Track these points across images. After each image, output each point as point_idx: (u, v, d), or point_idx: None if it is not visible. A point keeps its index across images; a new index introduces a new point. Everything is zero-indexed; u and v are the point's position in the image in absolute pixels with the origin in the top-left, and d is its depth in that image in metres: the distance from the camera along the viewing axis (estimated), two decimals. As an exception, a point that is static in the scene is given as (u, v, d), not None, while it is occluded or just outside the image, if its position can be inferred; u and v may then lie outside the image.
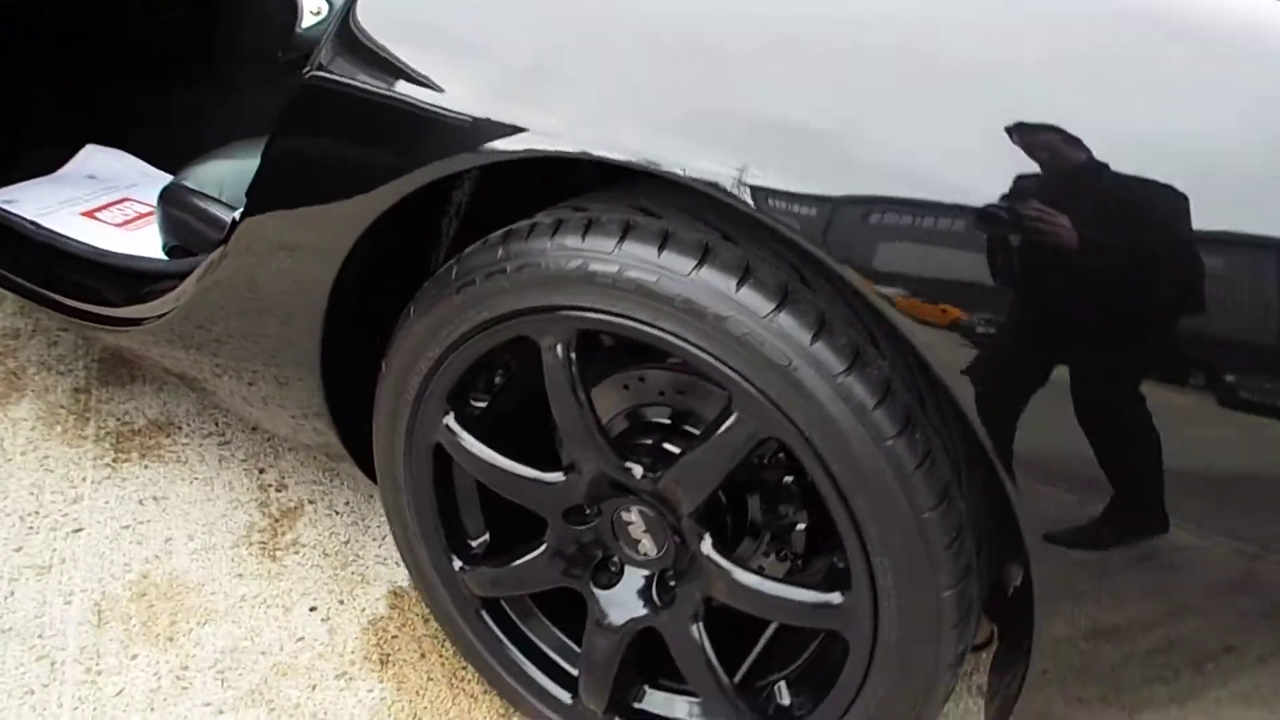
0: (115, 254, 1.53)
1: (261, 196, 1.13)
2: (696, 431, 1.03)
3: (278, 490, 1.60)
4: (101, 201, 2.02)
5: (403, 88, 0.95)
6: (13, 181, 2.06)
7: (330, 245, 1.05)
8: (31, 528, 1.49)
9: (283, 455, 1.67)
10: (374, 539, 1.52)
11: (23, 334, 1.95)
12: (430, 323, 1.03)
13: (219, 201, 1.55)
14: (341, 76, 1.00)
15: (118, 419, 1.73)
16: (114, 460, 1.63)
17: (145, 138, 2.20)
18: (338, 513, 1.57)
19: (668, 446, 1.03)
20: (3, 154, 2.10)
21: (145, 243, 1.87)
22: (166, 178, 2.16)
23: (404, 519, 1.20)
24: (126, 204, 2.02)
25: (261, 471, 1.64)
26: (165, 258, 1.66)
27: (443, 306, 1.01)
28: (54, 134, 2.17)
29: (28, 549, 1.45)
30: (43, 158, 2.15)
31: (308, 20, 2.08)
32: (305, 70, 1.04)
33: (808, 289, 0.87)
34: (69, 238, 1.60)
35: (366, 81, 0.97)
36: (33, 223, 1.65)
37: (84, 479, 1.59)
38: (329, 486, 1.61)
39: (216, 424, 1.74)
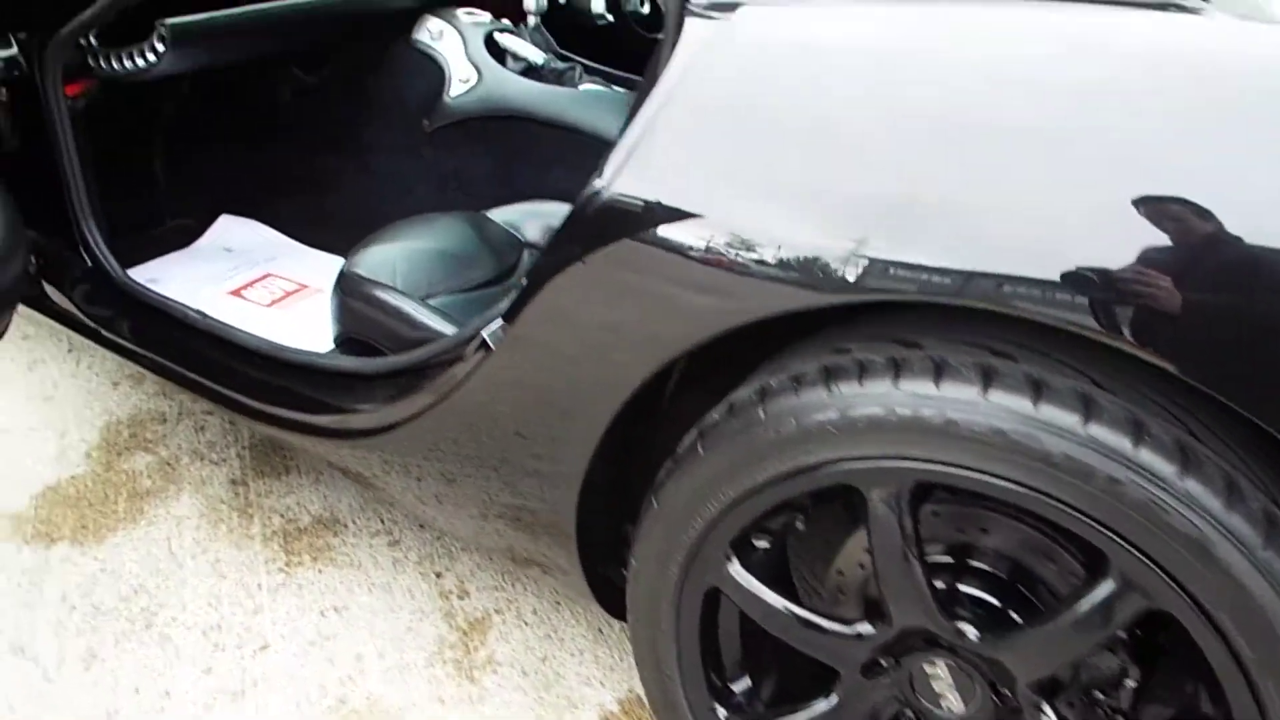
0: (305, 353, 1.45)
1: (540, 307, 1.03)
2: (1027, 590, 0.92)
3: (460, 597, 1.51)
4: (245, 278, 1.96)
5: (727, 223, 0.86)
6: (150, 256, 2.00)
7: (636, 364, 0.96)
8: (217, 645, 1.40)
9: (456, 555, 1.58)
10: (571, 654, 1.42)
11: (169, 417, 1.88)
12: (725, 462, 0.93)
13: (395, 290, 1.46)
14: (645, 201, 0.90)
15: (281, 515, 1.65)
16: (287, 564, 1.55)
17: (281, 205, 2.14)
18: (527, 623, 1.47)
19: (993, 599, 0.93)
20: (138, 224, 2.04)
21: (298, 324, 1.80)
22: (304, 249, 2.11)
23: (659, 660, 1.09)
24: (270, 280, 1.95)
25: (439, 575, 1.55)
26: (333, 346, 1.58)
27: (745, 446, 0.91)
28: (188, 203, 2.11)
29: (217, 670, 1.36)
30: (179, 229, 2.09)
31: (456, 89, 2.02)
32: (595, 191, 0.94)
33: (1206, 446, 0.77)
34: (245, 331, 1.52)
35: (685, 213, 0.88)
36: (199, 312, 1.58)
37: (260, 586, 1.50)
38: (513, 593, 1.52)
39: (382, 520, 1.65)
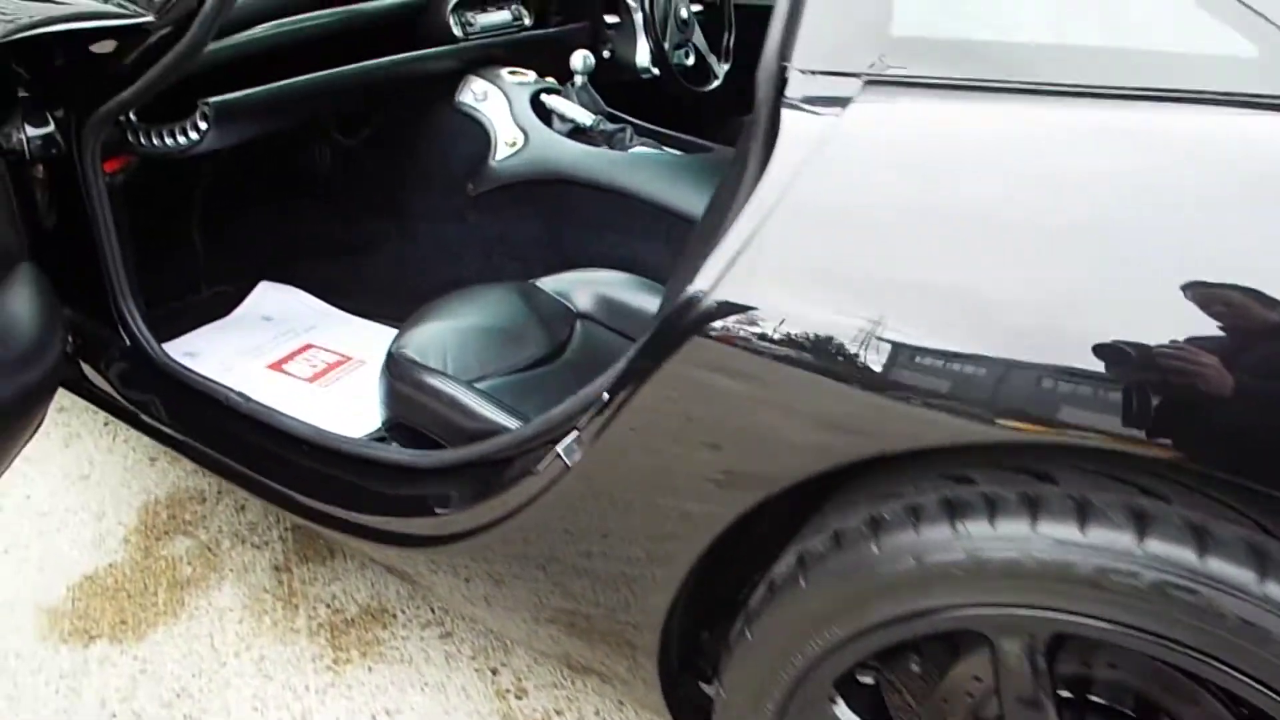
0: (354, 442, 1.37)
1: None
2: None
3: (517, 697, 1.42)
4: (285, 350, 1.89)
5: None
6: (188, 326, 1.94)
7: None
8: (265, 758, 1.32)
9: (511, 651, 1.50)
10: (638, 762, 1.34)
11: (208, 496, 1.82)
12: (832, 598, 0.85)
13: (447, 376, 1.39)
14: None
15: (327, 605, 1.57)
16: (334, 661, 1.47)
17: (321, 271, 2.08)
18: (590, 727, 1.39)
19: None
20: (176, 293, 1.99)
21: (342, 401, 1.73)
22: (345, 317, 2.04)
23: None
24: (312, 352, 1.89)
25: (495, 672, 1.46)
26: (381, 428, 1.51)
27: (856, 583, 0.83)
28: (226, 270, 2.05)
29: (266, 787, 1.29)
30: (218, 296, 2.03)
31: (502, 152, 1.95)
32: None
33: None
34: (290, 416, 1.45)
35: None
36: (240, 395, 1.51)
37: (307, 687, 1.43)
38: (572, 691, 1.43)
39: (433, 610, 1.57)
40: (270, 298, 2.05)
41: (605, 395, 0.94)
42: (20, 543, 1.71)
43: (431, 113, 1.93)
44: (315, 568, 1.65)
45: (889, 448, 0.77)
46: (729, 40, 2.43)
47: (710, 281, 0.84)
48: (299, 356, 1.87)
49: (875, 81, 0.79)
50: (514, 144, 1.86)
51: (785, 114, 0.84)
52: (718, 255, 0.84)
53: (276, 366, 1.83)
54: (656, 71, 2.27)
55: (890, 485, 0.86)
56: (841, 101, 0.80)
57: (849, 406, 0.78)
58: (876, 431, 0.77)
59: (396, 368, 1.42)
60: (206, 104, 1.42)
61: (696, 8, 2.39)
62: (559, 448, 1.00)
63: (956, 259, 0.75)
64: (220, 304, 2.03)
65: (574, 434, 0.99)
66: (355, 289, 2.05)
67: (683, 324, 0.86)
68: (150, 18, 1.30)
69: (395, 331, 1.96)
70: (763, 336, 0.81)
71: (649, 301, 1.60)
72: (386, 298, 2.03)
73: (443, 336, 1.46)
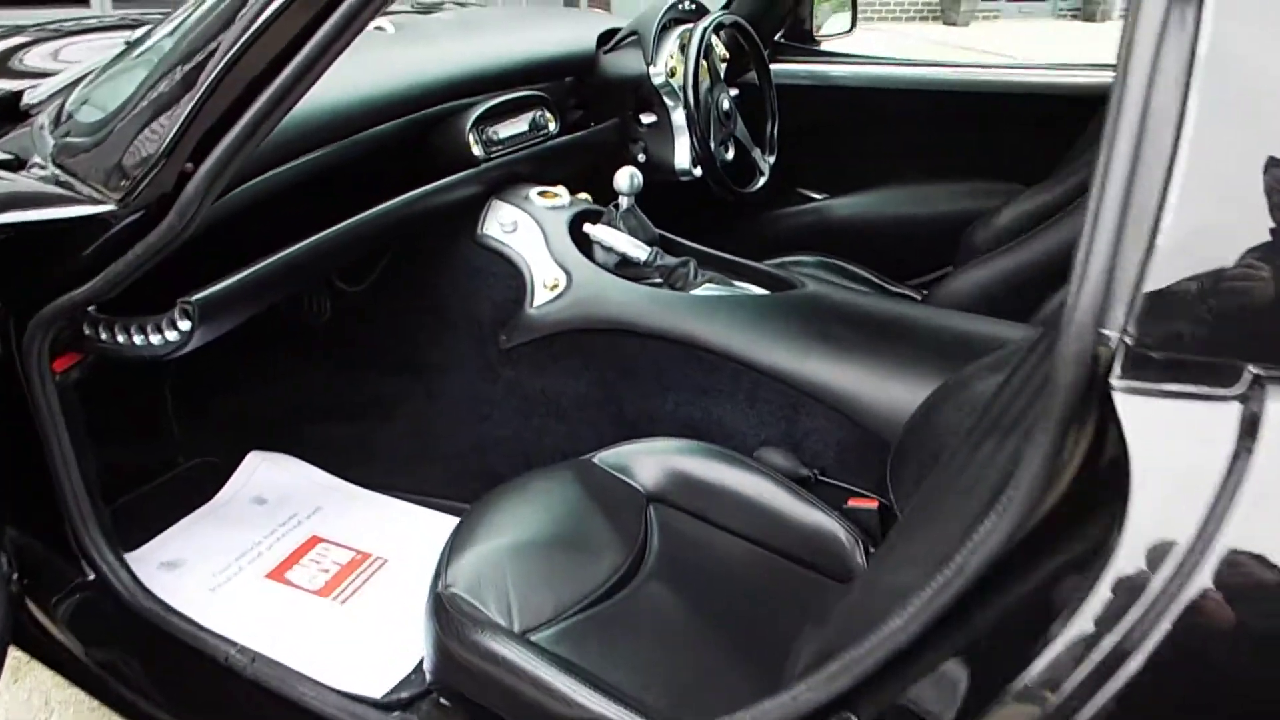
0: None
1: None
2: None
3: None
4: (287, 547, 1.55)
5: None
6: (163, 518, 1.59)
7: None
8: None
9: None
10: None
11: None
12: None
13: (513, 638, 1.05)
14: None
15: None
16: None
17: (322, 436, 1.74)
18: None
19: None
20: (145, 474, 1.64)
21: (364, 621, 1.40)
22: (354, 491, 1.70)
23: None
24: (320, 549, 1.55)
25: None
26: (429, 689, 1.18)
27: None
28: (207, 441, 1.71)
29: None
30: (200, 469, 1.69)
31: (540, 296, 1.63)
32: None
33: None
34: (314, 681, 1.12)
35: None
36: (242, 650, 1.18)
37: None
38: None
39: None
40: (263, 473, 1.71)
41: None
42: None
43: (451, 248, 1.62)
44: None
45: None
46: (773, 130, 2.14)
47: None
48: (305, 557, 1.53)
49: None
50: (555, 286, 1.55)
51: (1123, 404, 0.53)
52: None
53: (278, 575, 1.49)
54: (698, 173, 1.98)
55: None
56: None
57: None
58: None
59: (448, 621, 1.08)
60: (189, 302, 1.09)
61: (734, 91, 2.10)
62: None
63: None
64: (202, 481, 1.68)
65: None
66: (366, 457, 1.72)
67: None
68: (111, 206, 0.97)
69: (417, 511, 1.65)
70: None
71: (728, 474, 1.30)
72: (404, 466, 1.70)
73: (500, 564, 1.14)
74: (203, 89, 0.95)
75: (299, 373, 1.73)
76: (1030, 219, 1.87)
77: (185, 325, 1.10)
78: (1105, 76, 2.01)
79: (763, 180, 2.08)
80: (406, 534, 1.58)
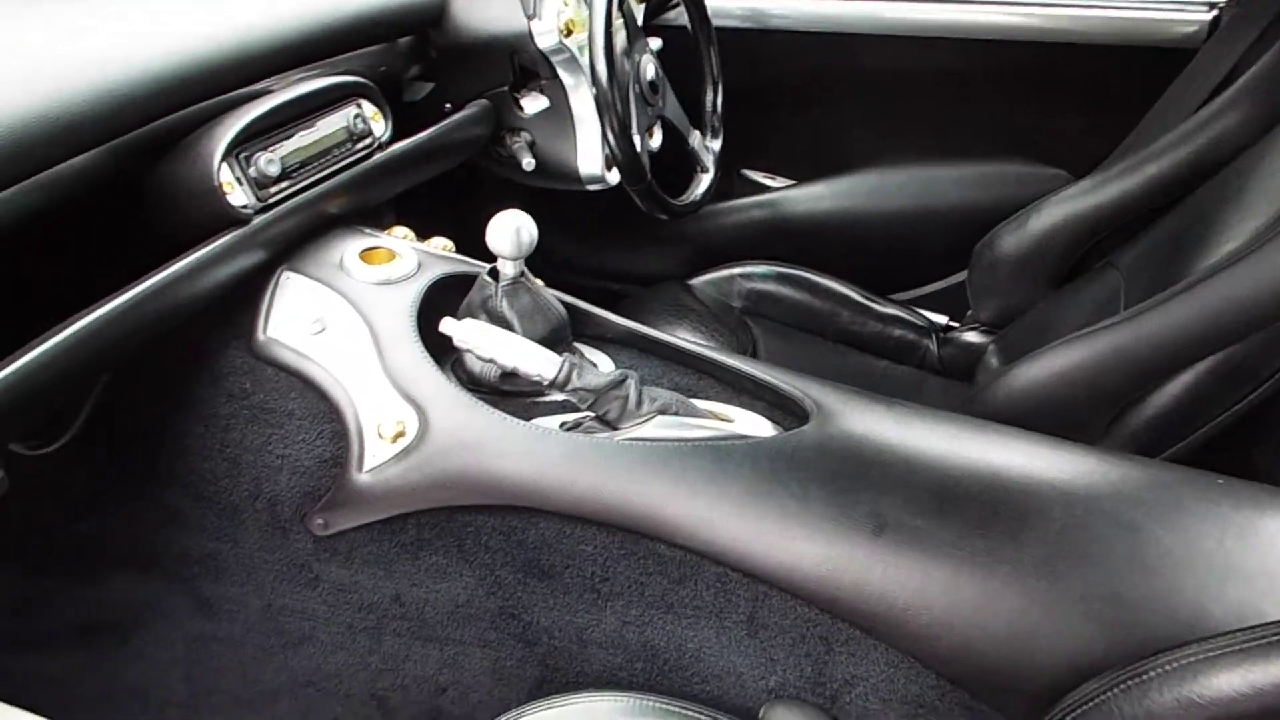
0: None
1: None
2: None
3: None
4: None
5: None
6: None
7: None
8: None
9: None
10: None
11: None
12: None
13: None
14: None
15: None
16: None
17: (41, 670, 1.06)
18: None
19: None
20: None
21: None
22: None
23: None
24: None
25: None
26: None
27: None
28: None
29: None
30: None
31: (374, 451, 0.89)
32: None
33: None
34: None
35: None
36: None
37: None
38: None
39: None
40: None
41: None
42: None
43: (210, 373, 0.93)
44: None
45: None
46: (715, 100, 1.48)
47: None
48: None
49: None
50: (398, 434, 0.89)
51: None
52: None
53: None
54: (614, 180, 1.32)
55: None
56: None
57: None
58: None
59: None
60: None
61: (655, 43, 1.43)
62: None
63: None
64: None
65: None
66: (107, 698, 1.05)
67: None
68: None
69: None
70: None
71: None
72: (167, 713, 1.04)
73: None
74: None
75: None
76: (1086, 226, 1.32)
77: None
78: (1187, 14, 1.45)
79: (707, 181, 1.43)
80: None
